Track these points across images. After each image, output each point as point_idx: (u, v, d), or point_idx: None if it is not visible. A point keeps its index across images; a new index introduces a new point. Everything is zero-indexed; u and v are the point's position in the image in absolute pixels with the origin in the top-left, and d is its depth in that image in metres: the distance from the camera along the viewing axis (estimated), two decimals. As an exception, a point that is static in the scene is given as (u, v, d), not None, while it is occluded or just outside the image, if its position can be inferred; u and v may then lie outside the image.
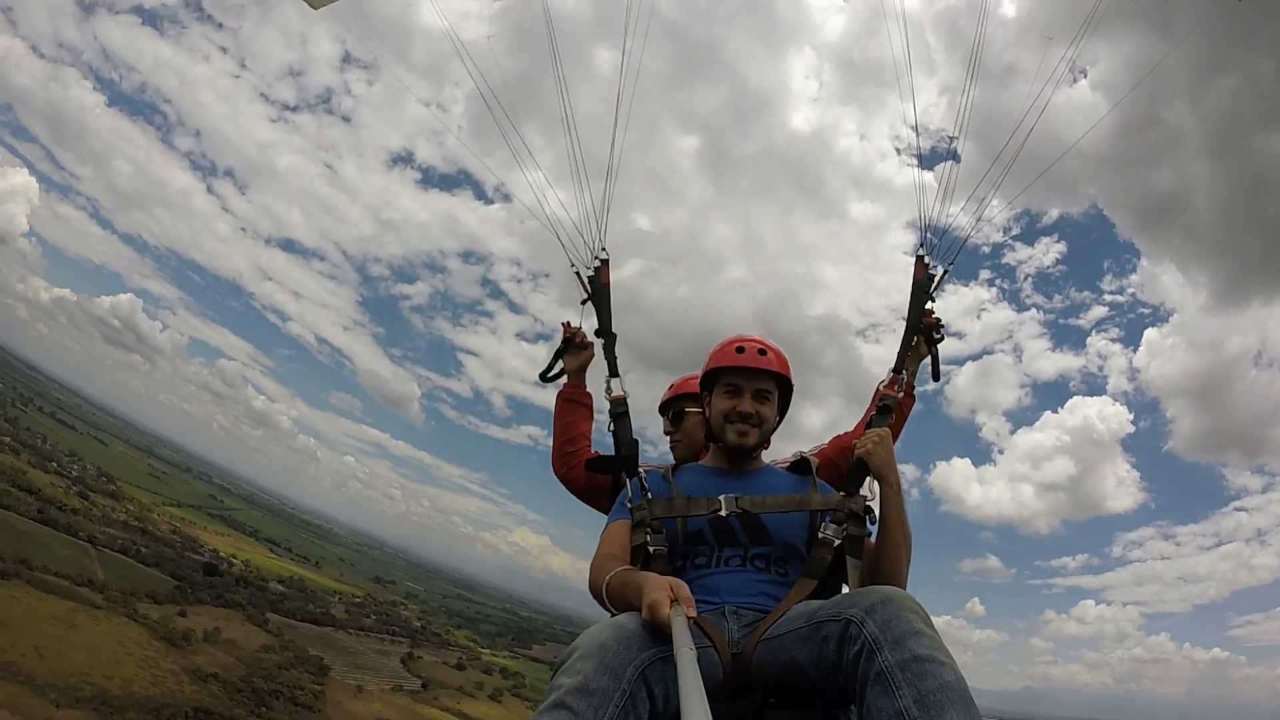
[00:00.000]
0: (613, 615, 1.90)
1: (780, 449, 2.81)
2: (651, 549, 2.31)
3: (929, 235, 3.07)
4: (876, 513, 2.40)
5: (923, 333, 2.95)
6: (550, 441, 3.20)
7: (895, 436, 2.76)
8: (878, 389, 2.89)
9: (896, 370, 2.88)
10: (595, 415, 3.20)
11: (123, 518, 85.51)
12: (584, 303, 3.15)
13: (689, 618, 1.59)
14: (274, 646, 71.14)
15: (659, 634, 1.63)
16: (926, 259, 3.03)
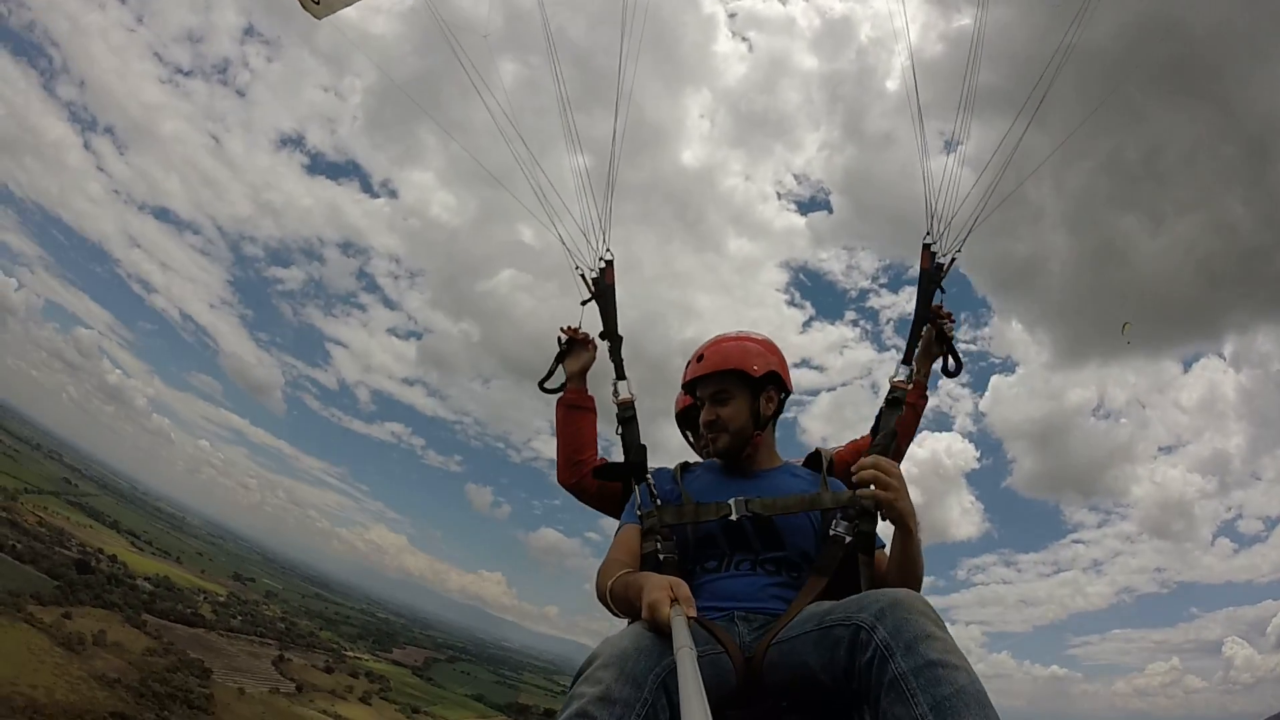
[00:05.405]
0: (627, 621, 1.90)
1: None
2: (662, 557, 2.29)
3: (935, 223, 3.01)
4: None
5: (934, 327, 2.91)
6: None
7: (908, 440, 2.76)
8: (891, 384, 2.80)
9: (905, 360, 2.81)
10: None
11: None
12: (585, 304, 3.07)
13: (690, 618, 1.57)
14: (157, 650, 71.27)
15: (670, 637, 1.55)
16: (933, 247, 2.97)
